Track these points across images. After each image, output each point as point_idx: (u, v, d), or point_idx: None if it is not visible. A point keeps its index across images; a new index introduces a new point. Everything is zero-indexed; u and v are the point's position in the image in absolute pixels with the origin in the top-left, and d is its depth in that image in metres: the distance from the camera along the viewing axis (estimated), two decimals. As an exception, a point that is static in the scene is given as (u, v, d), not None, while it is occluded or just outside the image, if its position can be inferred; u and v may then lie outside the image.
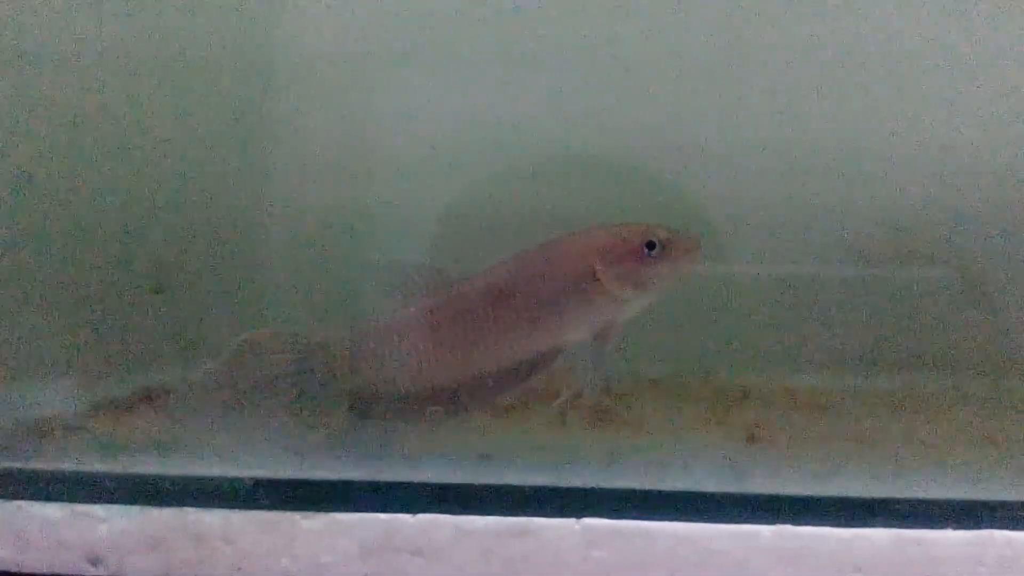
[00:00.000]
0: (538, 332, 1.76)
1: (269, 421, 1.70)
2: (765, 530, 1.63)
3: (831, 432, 2.08)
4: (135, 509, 1.64)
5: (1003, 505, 1.66)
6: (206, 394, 1.71)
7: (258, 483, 1.66)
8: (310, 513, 1.63)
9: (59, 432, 1.74)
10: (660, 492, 1.67)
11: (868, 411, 2.25)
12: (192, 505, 1.64)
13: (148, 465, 1.69)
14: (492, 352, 1.76)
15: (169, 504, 1.64)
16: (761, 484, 1.72)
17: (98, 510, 1.64)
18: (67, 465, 1.69)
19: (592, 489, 1.67)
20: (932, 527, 1.63)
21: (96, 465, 1.69)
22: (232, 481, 1.66)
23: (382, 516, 1.63)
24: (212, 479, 1.66)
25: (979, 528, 1.63)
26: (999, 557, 1.61)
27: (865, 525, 1.63)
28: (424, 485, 1.67)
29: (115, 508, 1.64)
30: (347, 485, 1.67)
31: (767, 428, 2.03)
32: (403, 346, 1.76)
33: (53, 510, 1.64)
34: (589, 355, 1.76)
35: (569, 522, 1.62)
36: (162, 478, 1.66)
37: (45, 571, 1.61)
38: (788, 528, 1.62)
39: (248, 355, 1.72)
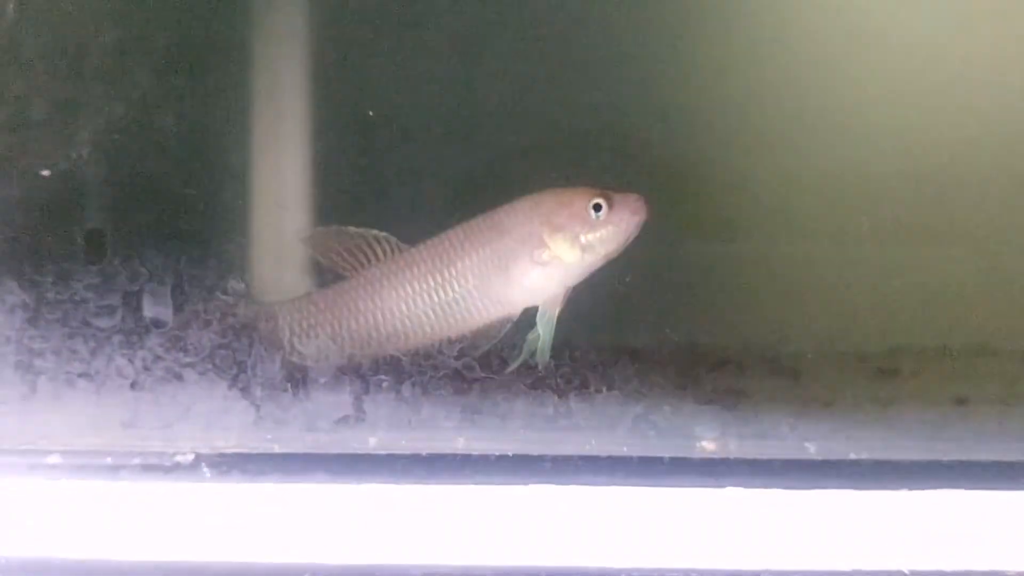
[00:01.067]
0: (487, 299, 1.74)
1: (212, 393, 1.68)
2: (715, 493, 1.60)
3: (797, 395, 2.05)
4: (74, 486, 1.61)
5: (959, 465, 1.64)
6: (149, 366, 1.68)
7: (200, 456, 1.63)
8: (253, 485, 1.61)
9: (-1, 409, 1.72)
10: (610, 457, 1.65)
11: (843, 377, 2.21)
12: (132, 480, 1.61)
13: (88, 440, 1.65)
14: (441, 321, 1.74)
15: (109, 479, 1.61)
16: (715, 447, 1.68)
17: (38, 487, 1.61)
18: (5, 442, 1.65)
19: (540, 456, 1.64)
20: (887, 488, 1.60)
21: (37, 441, 1.65)
22: (173, 454, 1.63)
23: (326, 487, 1.60)
24: (153, 452, 1.63)
25: (935, 488, 1.59)
26: (954, 518, 1.58)
27: (818, 486, 1.60)
28: (368, 456, 1.64)
29: (55, 485, 1.61)
30: (289, 457, 1.64)
31: (733, 392, 2.00)
32: (350, 315, 1.74)
33: (-9, 488, 1.62)
34: (539, 320, 1.73)
35: (516, 489, 1.60)
36: (101, 453, 1.63)
37: (-15, 549, 1.59)
38: (738, 491, 1.60)
39: (193, 325, 1.70)
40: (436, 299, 1.74)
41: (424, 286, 1.75)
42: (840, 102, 2.08)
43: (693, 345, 1.92)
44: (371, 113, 1.87)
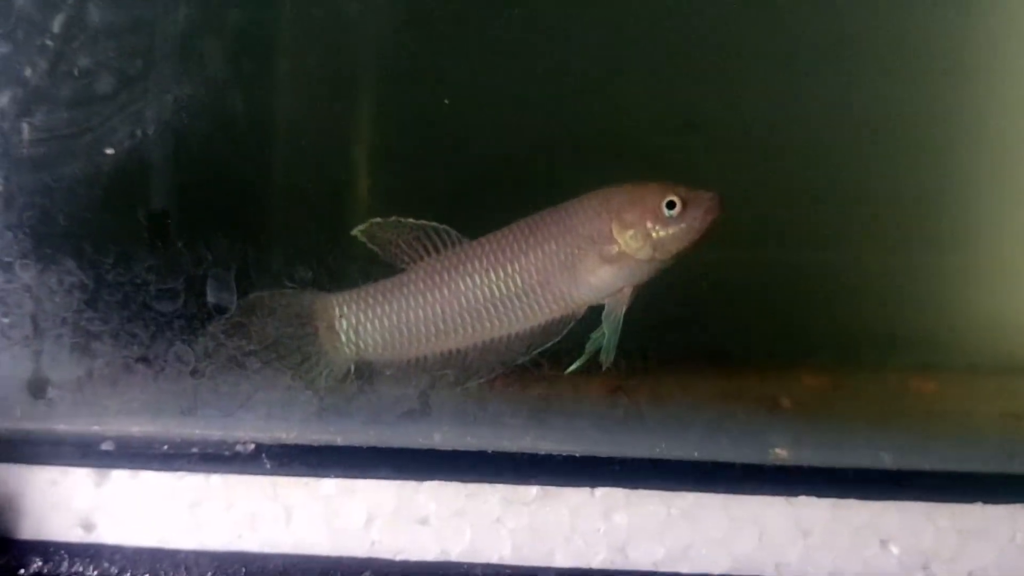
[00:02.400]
0: (552, 295, 1.69)
1: (274, 382, 1.64)
2: (785, 500, 1.57)
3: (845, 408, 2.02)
4: (128, 474, 1.57)
5: None
6: (210, 352, 1.64)
7: (261, 446, 1.59)
8: (314, 479, 1.57)
9: (52, 392, 1.67)
10: (679, 462, 1.61)
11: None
12: (190, 469, 1.57)
13: (144, 427, 1.61)
14: (504, 315, 1.69)
15: (164, 468, 1.57)
16: (780, 455, 1.65)
17: (90, 474, 1.57)
18: (60, 426, 1.61)
19: (608, 458, 1.60)
20: (962, 501, 1.56)
21: (91, 427, 1.61)
22: (233, 444, 1.59)
23: (389, 483, 1.57)
24: (212, 442, 1.59)
25: (1011, 503, 1.56)
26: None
27: (893, 497, 1.56)
28: (432, 452, 1.60)
29: (108, 472, 1.57)
30: (352, 451, 1.61)
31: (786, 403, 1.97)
32: (408, 308, 1.69)
33: (44, 473, 1.57)
34: (605, 319, 1.68)
35: (583, 491, 1.56)
36: (158, 441, 1.59)
37: (35, 537, 1.55)
38: (810, 499, 1.56)
39: (256, 316, 1.66)
40: (498, 294, 1.69)
41: (486, 280, 1.70)
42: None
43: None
44: (447, 102, 1.83)
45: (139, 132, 1.68)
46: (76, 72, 1.67)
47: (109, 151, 1.68)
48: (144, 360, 1.64)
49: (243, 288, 1.65)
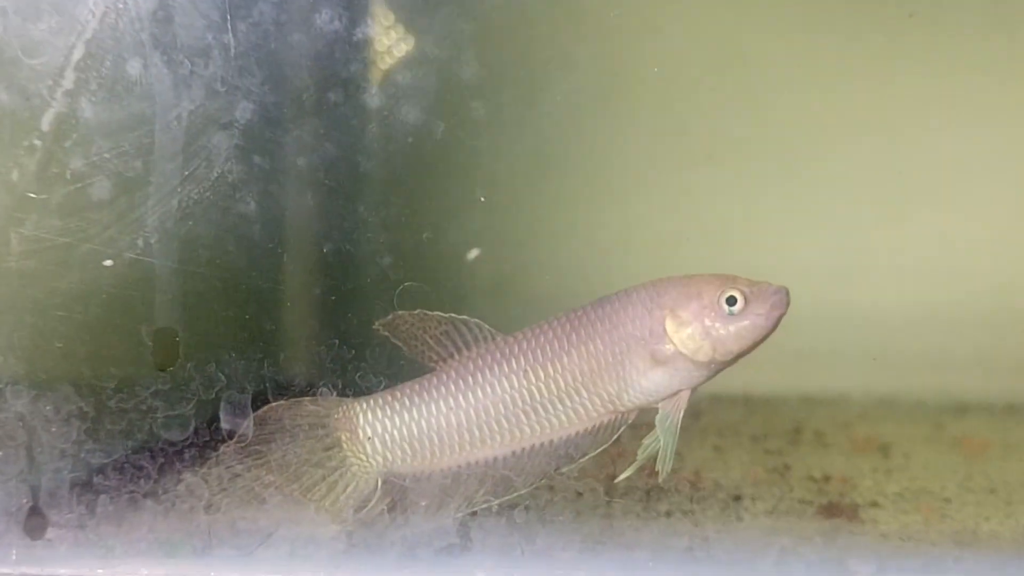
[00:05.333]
0: (598, 398, 1.55)
1: (297, 516, 1.49)
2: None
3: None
4: (139, 623, 1.43)
5: None
6: (220, 480, 1.49)
7: (283, 588, 1.45)
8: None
9: (51, 532, 1.52)
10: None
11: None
12: (207, 617, 1.43)
13: (153, 569, 1.46)
14: (545, 421, 1.55)
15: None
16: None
17: (96, 624, 1.43)
18: (61, 571, 1.46)
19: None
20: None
21: (95, 570, 1.46)
22: (253, 586, 1.44)
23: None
24: (229, 584, 1.45)
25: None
26: None
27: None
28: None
29: (116, 622, 1.43)
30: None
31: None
32: (437, 413, 1.55)
33: (44, 625, 1.43)
34: (659, 424, 1.54)
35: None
36: (170, 584, 1.45)
37: None
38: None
39: (267, 431, 1.51)
40: (538, 396, 1.55)
41: (524, 382, 1.56)
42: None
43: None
44: (482, 199, 1.69)
45: (140, 241, 1.54)
46: (68, 175, 1.52)
47: (107, 263, 1.54)
48: (152, 495, 1.49)
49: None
